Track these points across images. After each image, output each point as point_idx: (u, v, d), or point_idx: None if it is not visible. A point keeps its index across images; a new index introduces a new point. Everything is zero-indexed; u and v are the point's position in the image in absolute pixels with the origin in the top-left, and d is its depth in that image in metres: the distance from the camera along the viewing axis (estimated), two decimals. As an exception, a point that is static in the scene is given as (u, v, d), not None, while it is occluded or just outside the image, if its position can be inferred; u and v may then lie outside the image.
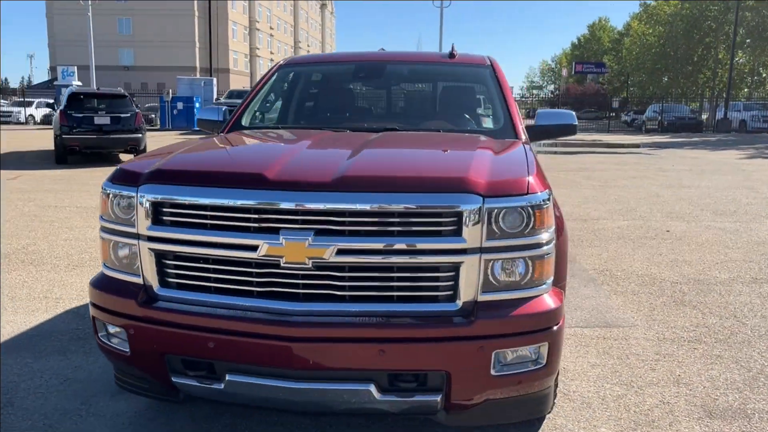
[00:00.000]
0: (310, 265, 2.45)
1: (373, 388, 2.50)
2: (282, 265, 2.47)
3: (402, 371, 2.51)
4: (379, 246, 2.44)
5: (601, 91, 63.60)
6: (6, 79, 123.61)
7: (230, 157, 2.81)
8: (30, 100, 41.55)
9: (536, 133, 3.92)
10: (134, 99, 18.42)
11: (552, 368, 2.65)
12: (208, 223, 2.55)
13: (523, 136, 3.72)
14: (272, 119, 4.11)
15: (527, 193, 2.53)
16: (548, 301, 2.60)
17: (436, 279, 2.50)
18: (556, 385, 3.04)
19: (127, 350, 2.73)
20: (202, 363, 2.63)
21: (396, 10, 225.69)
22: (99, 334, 2.85)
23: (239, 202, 2.49)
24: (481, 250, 2.47)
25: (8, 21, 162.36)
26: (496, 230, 2.48)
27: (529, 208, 2.52)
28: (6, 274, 5.75)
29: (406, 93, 4.46)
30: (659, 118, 39.54)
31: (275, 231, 2.46)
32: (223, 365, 2.59)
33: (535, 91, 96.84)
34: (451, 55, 4.31)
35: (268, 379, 2.53)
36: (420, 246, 2.44)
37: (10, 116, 38.10)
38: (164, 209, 2.61)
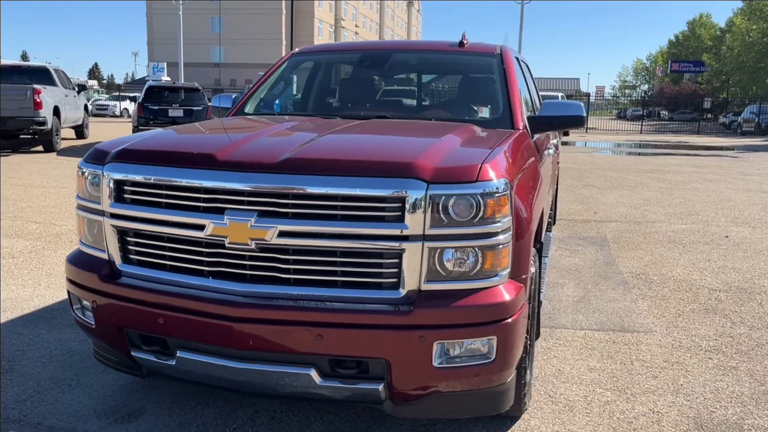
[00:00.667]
0: (254, 246, 2.46)
1: (313, 373, 2.49)
2: (226, 245, 2.49)
3: (341, 357, 2.48)
4: (322, 229, 2.42)
5: (698, 92, 60.44)
6: (111, 75, 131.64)
7: (192, 140, 2.86)
8: (125, 94, 44.06)
9: (539, 125, 3.76)
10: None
11: (503, 364, 2.54)
12: (163, 202, 2.61)
13: (521, 127, 3.59)
14: (275, 106, 4.15)
15: (476, 181, 2.43)
16: (499, 293, 2.50)
17: (380, 265, 2.45)
18: (525, 384, 2.92)
19: (93, 323, 2.84)
20: (157, 339, 2.70)
21: (482, 8, 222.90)
22: (73, 307, 2.97)
23: (190, 182, 2.54)
24: (425, 238, 2.40)
25: (115, 20, 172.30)
26: (443, 218, 2.40)
27: (478, 197, 2.42)
28: (52, 252, 6.11)
29: (408, 81, 4.39)
30: (756, 119, 37.11)
31: (221, 211, 2.49)
32: (175, 342, 2.64)
33: (627, 91, 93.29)
34: (461, 43, 4.21)
35: (214, 357, 2.56)
36: (362, 231, 2.40)
37: (106, 109, 40.73)
38: (125, 187, 2.69)
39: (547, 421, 3.12)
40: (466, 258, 2.46)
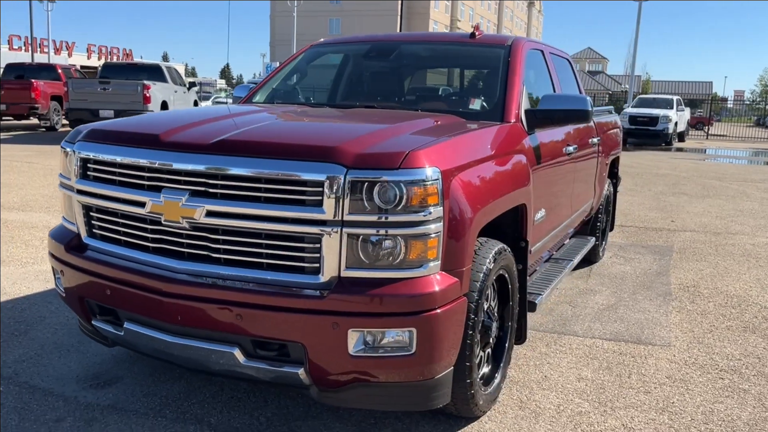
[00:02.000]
0: (186, 225, 2.54)
1: (237, 352, 2.53)
2: (162, 222, 2.59)
3: (260, 338, 2.50)
4: (247, 211, 2.46)
5: None
6: (240, 75, 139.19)
7: (152, 122, 2.98)
8: (244, 92, 46.33)
9: (538, 119, 3.58)
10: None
11: (426, 358, 2.46)
12: (116, 179, 2.76)
13: (512, 120, 3.44)
14: (282, 95, 4.23)
15: (399, 168, 2.37)
16: (423, 284, 2.42)
17: (302, 249, 2.45)
18: (471, 383, 2.79)
19: (63, 291, 3.05)
20: (109, 309, 2.85)
21: (606, 7, 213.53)
22: (55, 278, 3.20)
23: (135, 161, 2.66)
24: (344, 224, 2.37)
25: (245, 24, 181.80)
26: (365, 204, 2.37)
27: (401, 184, 2.36)
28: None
29: (408, 72, 4.31)
30: None
31: (159, 189, 2.59)
32: (123, 314, 2.78)
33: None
34: (472, 35, 4.10)
35: (153, 330, 2.67)
36: (284, 214, 2.42)
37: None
38: (89, 165, 2.86)
39: (504, 426, 2.98)
40: (389, 246, 2.41)
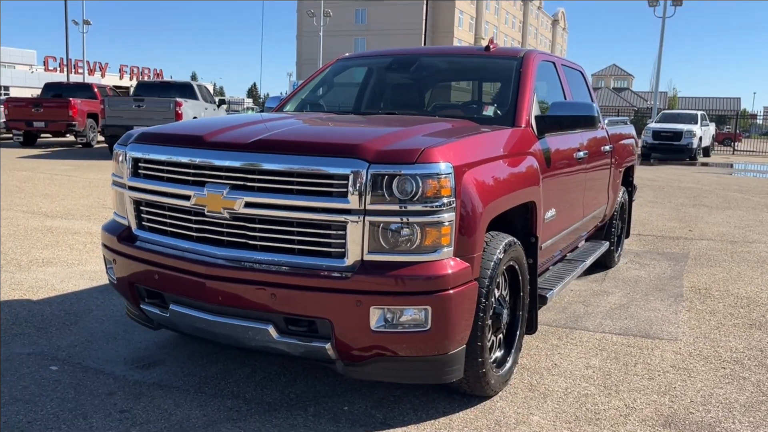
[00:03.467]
0: (226, 215, 2.87)
1: (271, 329, 2.84)
2: (206, 213, 2.92)
3: (292, 315, 2.80)
4: (281, 202, 2.77)
5: None
6: (267, 94, 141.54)
7: (197, 126, 3.31)
8: (271, 110, 47.16)
9: (548, 124, 3.85)
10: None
11: (440, 334, 2.74)
12: (164, 176, 3.10)
13: (522, 125, 3.73)
14: (310, 105, 4.57)
15: (415, 162, 2.67)
16: (437, 267, 2.71)
17: (328, 236, 2.75)
18: (482, 362, 3.04)
19: (114, 279, 3.39)
20: (156, 293, 3.18)
21: (631, 24, 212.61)
22: (107, 268, 3.54)
23: (182, 159, 3.00)
24: (366, 213, 2.67)
25: (272, 43, 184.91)
26: (385, 195, 2.66)
27: (417, 177, 2.66)
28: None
29: (428, 82, 4.61)
30: None
31: (203, 184, 2.92)
32: (169, 296, 3.11)
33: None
34: (487, 48, 4.40)
35: (195, 311, 2.99)
36: (313, 204, 2.73)
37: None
38: (140, 164, 3.21)
39: (514, 404, 3.23)
40: (406, 233, 2.70)
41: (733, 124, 37.06)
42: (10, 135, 20.73)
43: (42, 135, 21.73)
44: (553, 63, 4.70)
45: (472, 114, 4.04)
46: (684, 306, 5.03)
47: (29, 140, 20.30)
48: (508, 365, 3.40)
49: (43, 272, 5.45)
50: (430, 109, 4.30)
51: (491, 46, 4.40)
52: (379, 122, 3.61)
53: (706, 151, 27.06)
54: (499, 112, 3.98)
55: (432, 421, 3.03)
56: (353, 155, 2.69)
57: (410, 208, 2.66)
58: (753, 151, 33.50)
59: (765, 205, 11.63)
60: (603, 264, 6.20)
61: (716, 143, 33.67)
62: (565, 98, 4.71)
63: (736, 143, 34.88)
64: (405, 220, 2.68)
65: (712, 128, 28.60)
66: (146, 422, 2.96)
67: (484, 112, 4.08)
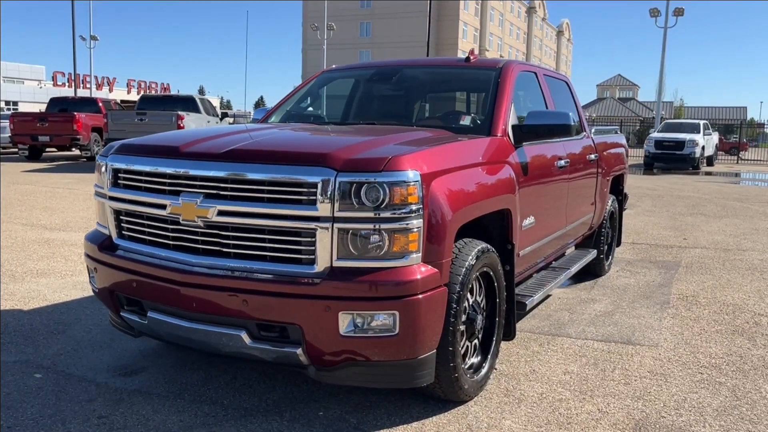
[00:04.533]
0: (200, 223, 2.93)
1: (244, 335, 2.90)
2: (181, 222, 2.99)
3: (264, 321, 2.86)
4: (252, 210, 2.84)
5: None
6: (262, 104, 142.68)
7: (175, 137, 3.39)
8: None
9: (524, 133, 3.91)
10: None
11: (408, 338, 2.79)
12: (142, 186, 3.17)
13: (498, 134, 3.78)
14: (295, 116, 4.65)
15: (382, 170, 2.73)
16: (404, 272, 2.76)
17: (299, 243, 2.82)
18: (454, 367, 3.08)
19: (96, 287, 3.46)
20: (135, 300, 3.24)
21: (636, 35, 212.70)
22: (89, 277, 3.61)
23: (158, 169, 3.07)
24: (335, 220, 2.73)
25: (278, 56, 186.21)
26: (352, 202, 2.72)
27: (384, 185, 2.72)
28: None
29: (409, 93, 4.69)
30: None
31: (178, 193, 2.99)
32: (147, 303, 3.17)
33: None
34: (467, 59, 4.47)
35: (172, 317, 3.05)
36: (283, 212, 2.79)
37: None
38: (119, 174, 3.29)
39: (488, 409, 3.26)
40: (375, 239, 2.76)
41: (739, 134, 36.99)
42: (16, 149, 20.96)
43: (47, 149, 21.95)
44: (535, 73, 4.76)
45: (450, 124, 4.10)
46: (669, 313, 5.06)
47: (35, 154, 20.53)
48: (484, 371, 3.44)
49: (37, 283, 5.53)
50: (411, 119, 4.37)
51: (471, 57, 4.48)
52: (353, 132, 3.68)
53: (710, 161, 27.03)
54: (476, 121, 4.04)
55: (404, 426, 3.07)
56: (322, 164, 2.76)
57: (378, 215, 2.72)
58: (759, 161, 33.37)
59: (763, 213, 11.62)
60: (593, 272, 6.23)
61: (721, 152, 33.60)
62: (547, 108, 4.77)
63: (741, 152, 34.78)
64: (373, 227, 2.73)
65: (715, 137, 28.58)
66: (123, 427, 3.01)
67: (462, 122, 4.14)
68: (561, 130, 3.90)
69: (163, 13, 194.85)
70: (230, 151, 2.96)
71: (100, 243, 3.37)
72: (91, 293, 5.20)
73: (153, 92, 57.23)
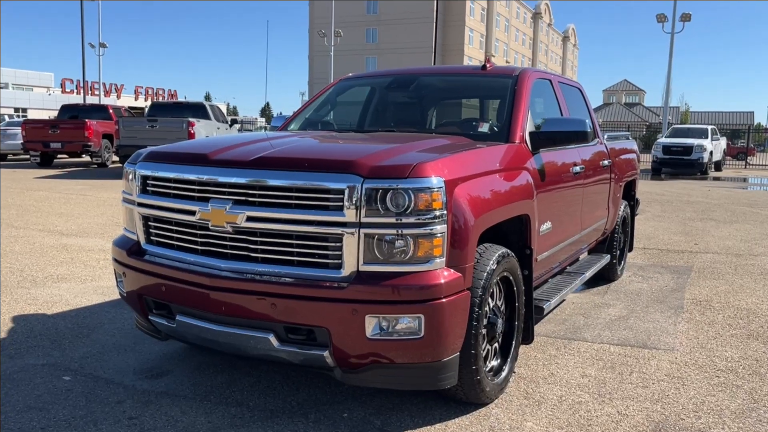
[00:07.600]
0: (229, 229, 3.01)
1: (272, 338, 2.96)
2: (210, 227, 3.06)
3: (291, 324, 2.93)
4: (281, 215, 2.91)
5: None
6: (280, 113, 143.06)
7: (203, 145, 3.47)
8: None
9: (541, 140, 3.98)
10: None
11: (433, 341, 2.85)
12: (171, 193, 3.25)
13: (516, 141, 3.85)
14: (314, 123, 4.73)
15: (408, 177, 2.80)
16: (429, 277, 2.83)
17: (326, 248, 2.89)
18: (476, 370, 3.14)
19: (124, 292, 3.54)
20: (163, 304, 3.32)
21: (643, 40, 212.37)
22: (117, 281, 3.69)
23: (188, 176, 3.15)
24: (361, 225, 2.80)
25: (285, 63, 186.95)
26: (378, 208, 2.79)
27: (410, 191, 2.79)
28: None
29: (427, 100, 4.76)
30: None
31: (207, 200, 3.07)
32: (176, 307, 3.25)
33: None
34: (484, 67, 4.55)
35: (200, 321, 3.13)
36: (311, 218, 2.86)
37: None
38: (148, 181, 3.37)
39: (509, 411, 3.32)
40: (400, 244, 2.82)
41: (746, 139, 36.94)
42: (28, 156, 21.15)
43: (59, 156, 22.15)
44: (550, 81, 4.83)
45: (469, 131, 4.17)
46: (683, 317, 5.10)
47: (46, 161, 20.72)
48: (504, 374, 3.49)
49: (58, 288, 5.62)
50: (429, 126, 4.45)
51: (488, 65, 4.55)
52: (375, 140, 3.75)
53: (718, 166, 27.01)
54: (494, 128, 4.11)
55: (428, 427, 3.13)
56: (348, 171, 2.83)
57: (403, 220, 2.79)
58: (767, 166, 33.30)
59: (773, 218, 11.62)
60: (606, 277, 6.28)
61: (729, 157, 33.53)
62: (562, 114, 4.84)
63: (749, 157, 34.71)
64: (398, 232, 2.80)
65: (723, 142, 28.56)
66: (153, 429, 3.08)
67: (480, 129, 4.21)
68: (578, 136, 3.97)
69: (169, 20, 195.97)
70: (259, 158, 3.03)
71: (129, 248, 3.45)
72: (112, 298, 5.30)
73: (160, 99, 57.55)
